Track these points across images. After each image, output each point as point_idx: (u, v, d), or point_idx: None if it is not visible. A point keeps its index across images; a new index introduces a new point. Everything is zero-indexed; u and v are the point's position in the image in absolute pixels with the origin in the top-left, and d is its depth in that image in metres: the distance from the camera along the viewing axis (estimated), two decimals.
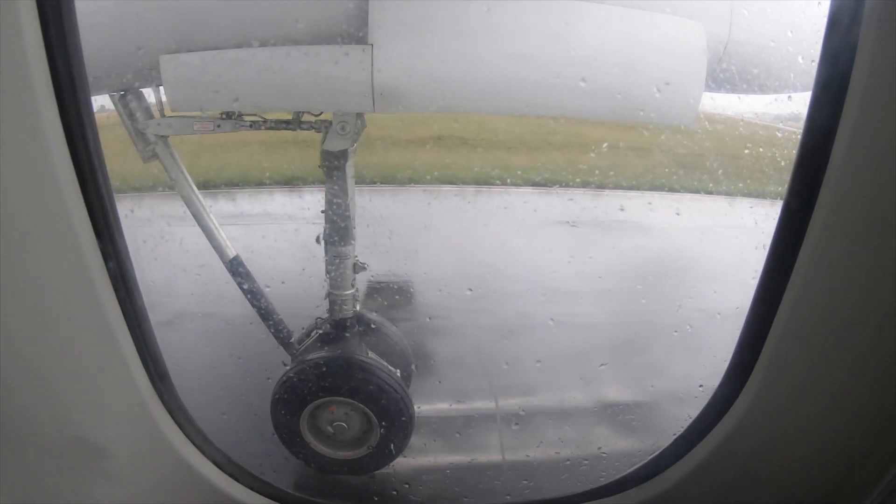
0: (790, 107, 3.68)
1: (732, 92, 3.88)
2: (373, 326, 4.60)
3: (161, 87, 3.69)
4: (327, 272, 4.20)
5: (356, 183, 4.27)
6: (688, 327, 5.13)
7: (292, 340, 4.33)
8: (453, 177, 8.14)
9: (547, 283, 6.03)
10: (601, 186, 7.47)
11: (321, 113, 3.86)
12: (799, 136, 1.34)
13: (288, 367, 4.16)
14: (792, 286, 1.39)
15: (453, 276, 6.20)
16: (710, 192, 7.36)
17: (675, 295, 5.88)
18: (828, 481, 1.60)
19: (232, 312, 4.88)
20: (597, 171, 7.07)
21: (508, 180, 8.02)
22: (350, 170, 3.98)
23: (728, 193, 7.19)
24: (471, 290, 5.95)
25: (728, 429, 1.65)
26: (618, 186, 7.58)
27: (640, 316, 5.73)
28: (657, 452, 1.89)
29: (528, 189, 8.09)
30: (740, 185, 6.76)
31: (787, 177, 1.39)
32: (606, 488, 1.99)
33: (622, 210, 7.51)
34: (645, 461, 1.93)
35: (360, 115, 3.84)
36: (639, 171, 7.43)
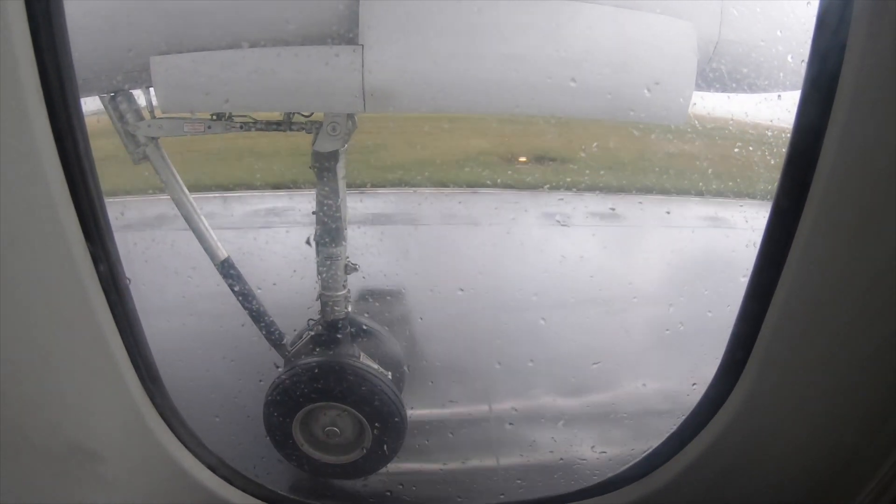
0: (780, 106, 3.70)
1: (722, 91, 3.90)
2: (364, 328, 4.60)
3: (151, 89, 3.68)
4: (319, 273, 4.19)
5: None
6: (680, 325, 5.15)
7: (284, 342, 4.32)
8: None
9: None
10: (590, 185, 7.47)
11: (312, 114, 3.85)
12: (788, 135, 1.35)
13: (280, 371, 4.15)
14: (782, 284, 1.40)
15: None
16: (699, 192, 7.39)
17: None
18: (820, 478, 1.61)
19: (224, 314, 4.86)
20: (587, 171, 7.08)
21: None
22: (341, 171, 3.97)
23: (718, 192, 7.22)
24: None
25: (720, 427, 1.66)
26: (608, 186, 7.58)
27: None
28: (650, 451, 1.90)
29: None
30: (730, 183, 6.79)
31: (776, 175, 1.40)
32: (599, 487, 1.99)
33: (613, 210, 7.53)
34: (638, 459, 1.94)
35: (350, 116, 3.83)
36: (629, 170, 7.45)
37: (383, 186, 8.01)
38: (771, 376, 1.53)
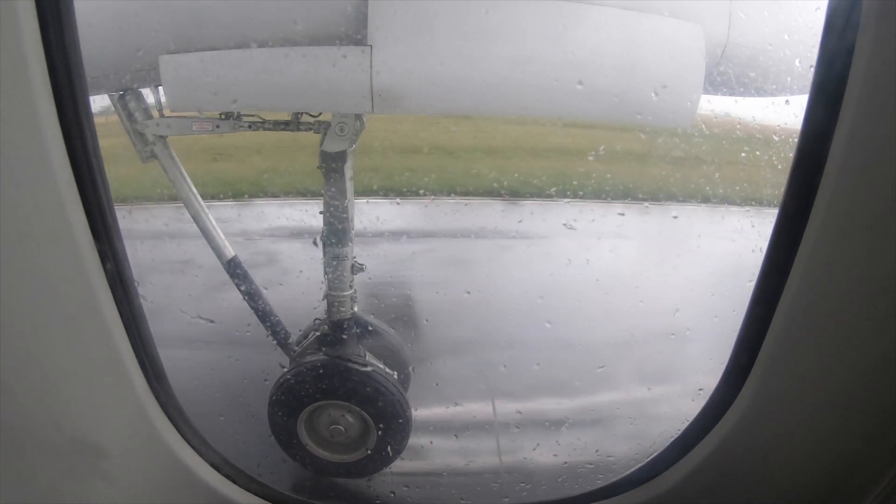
0: (788, 110, 3.68)
1: (730, 95, 3.88)
2: (370, 328, 4.60)
3: (160, 88, 3.70)
4: (325, 273, 4.20)
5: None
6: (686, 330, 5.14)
7: (290, 341, 4.33)
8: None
9: None
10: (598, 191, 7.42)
11: (320, 114, 3.86)
12: (796, 140, 1.35)
13: (286, 370, 4.15)
14: (789, 289, 1.39)
15: None
16: (706, 195, 7.36)
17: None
18: (826, 483, 1.60)
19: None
20: (593, 175, 7.05)
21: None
22: (349, 171, 3.97)
23: (724, 196, 7.19)
24: None
25: (725, 431, 1.65)
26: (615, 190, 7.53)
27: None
28: (654, 455, 1.89)
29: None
30: (736, 187, 6.77)
31: (783, 179, 1.39)
32: (603, 490, 1.99)
33: (621, 214, 7.51)
34: (642, 464, 1.93)
35: (358, 117, 3.83)
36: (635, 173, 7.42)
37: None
38: (776, 381, 1.52)
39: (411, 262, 6.90)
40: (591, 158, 6.66)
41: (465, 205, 7.88)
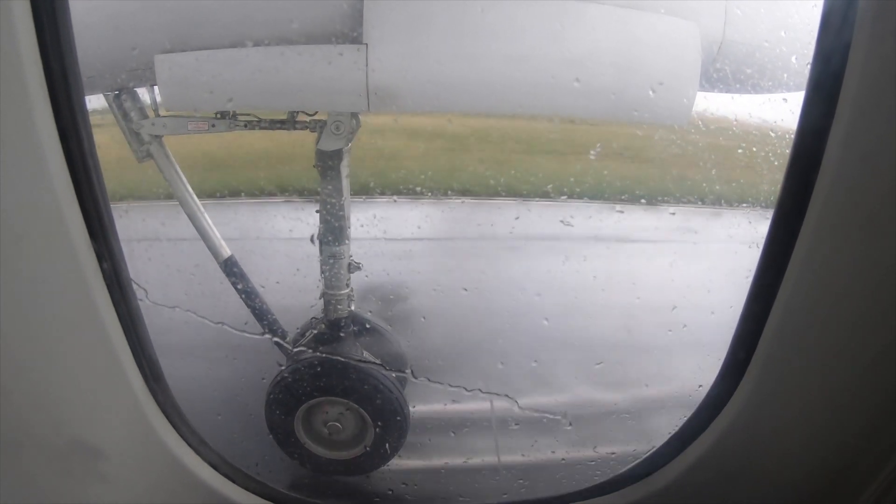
0: (784, 107, 3.68)
1: (726, 92, 3.89)
2: (367, 326, 4.61)
3: (156, 87, 3.69)
4: (322, 272, 4.20)
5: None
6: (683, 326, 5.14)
7: (287, 340, 4.33)
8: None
9: None
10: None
11: (316, 112, 3.86)
12: (793, 137, 1.35)
13: (282, 368, 4.15)
14: (785, 285, 1.39)
15: None
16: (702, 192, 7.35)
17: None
18: (822, 479, 1.61)
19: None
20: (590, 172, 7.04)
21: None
22: (345, 169, 3.97)
23: (721, 193, 7.19)
24: None
25: (722, 427, 1.66)
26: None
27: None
28: (652, 451, 1.90)
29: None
30: (733, 184, 6.77)
31: (779, 177, 1.39)
32: (601, 487, 1.99)
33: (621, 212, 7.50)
34: (640, 460, 1.94)
35: (354, 115, 3.83)
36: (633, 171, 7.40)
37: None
38: (773, 377, 1.52)
39: (408, 259, 6.89)
40: (591, 156, 6.66)
41: (462, 203, 7.86)
